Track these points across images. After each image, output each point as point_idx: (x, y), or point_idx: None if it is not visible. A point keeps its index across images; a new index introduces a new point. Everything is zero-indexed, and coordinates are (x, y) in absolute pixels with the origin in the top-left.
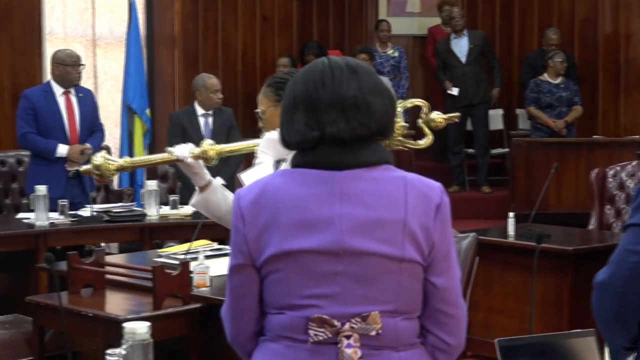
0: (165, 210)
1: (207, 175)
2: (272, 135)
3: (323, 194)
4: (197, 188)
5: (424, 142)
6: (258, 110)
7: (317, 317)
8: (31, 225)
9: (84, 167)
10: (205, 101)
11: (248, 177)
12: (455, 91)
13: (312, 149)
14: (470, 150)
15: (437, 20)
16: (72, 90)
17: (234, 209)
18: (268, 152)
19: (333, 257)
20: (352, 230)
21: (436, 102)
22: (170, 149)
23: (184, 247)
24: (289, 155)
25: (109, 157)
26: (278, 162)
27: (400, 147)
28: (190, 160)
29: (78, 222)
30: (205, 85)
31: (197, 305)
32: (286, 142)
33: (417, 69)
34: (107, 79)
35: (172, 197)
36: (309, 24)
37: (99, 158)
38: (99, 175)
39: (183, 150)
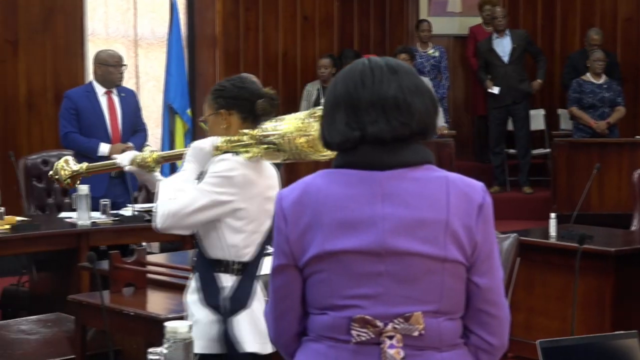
0: None
1: (158, 179)
2: (199, 144)
3: (365, 194)
4: None
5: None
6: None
7: (359, 318)
8: (73, 225)
9: (51, 172)
10: None
11: (166, 184)
12: (496, 90)
13: (353, 150)
14: (512, 151)
15: (477, 20)
16: (114, 90)
17: (275, 210)
18: (193, 160)
19: (375, 257)
20: (394, 231)
21: (477, 102)
22: (115, 155)
23: None
24: (210, 165)
25: (69, 162)
26: (202, 173)
27: (300, 159)
28: (128, 167)
29: (120, 222)
30: None
31: None
32: (327, 142)
33: (457, 69)
34: (149, 79)
35: None
36: (349, 24)
37: (60, 162)
38: (57, 179)
39: (124, 158)
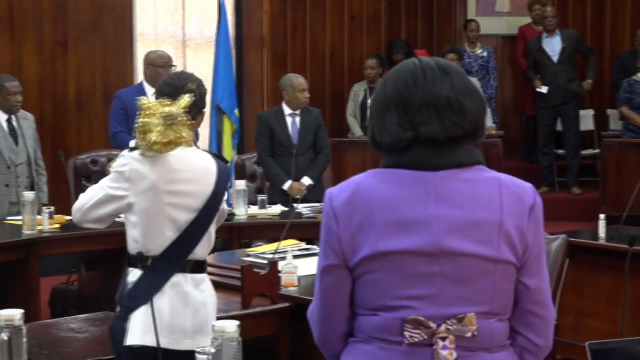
0: (254, 209)
1: None
2: (132, 142)
3: (418, 194)
4: None
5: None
6: None
7: (412, 319)
8: (122, 224)
9: None
10: (292, 100)
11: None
12: (544, 89)
13: (404, 150)
14: (560, 151)
15: (526, 20)
16: None
17: (325, 209)
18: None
19: (429, 257)
20: (448, 231)
21: (525, 102)
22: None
23: (272, 246)
24: None
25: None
26: None
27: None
28: None
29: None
30: (292, 85)
31: (286, 304)
32: (377, 142)
33: (505, 69)
34: None
35: (260, 197)
36: (397, 23)
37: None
38: None
39: None
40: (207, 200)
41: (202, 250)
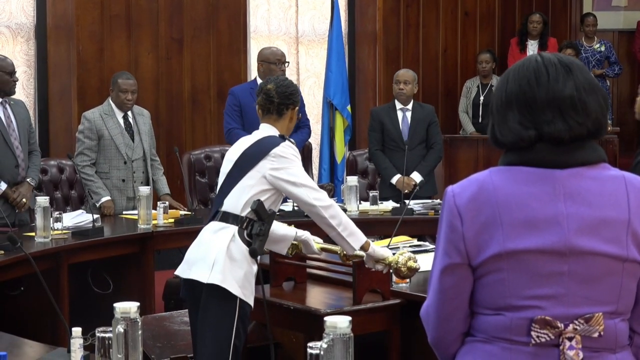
0: (365, 205)
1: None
2: None
3: (547, 193)
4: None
5: None
6: None
7: (540, 319)
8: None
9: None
10: (394, 92)
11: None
12: None
13: (528, 148)
14: None
15: None
16: None
17: (447, 207)
18: None
19: (558, 257)
20: (578, 230)
21: None
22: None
23: (384, 242)
24: None
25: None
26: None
27: None
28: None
29: (280, 217)
30: (395, 79)
31: (397, 300)
32: (498, 141)
33: (622, 64)
34: (309, 76)
35: (372, 193)
36: (511, 19)
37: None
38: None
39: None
40: (235, 162)
41: (230, 203)
